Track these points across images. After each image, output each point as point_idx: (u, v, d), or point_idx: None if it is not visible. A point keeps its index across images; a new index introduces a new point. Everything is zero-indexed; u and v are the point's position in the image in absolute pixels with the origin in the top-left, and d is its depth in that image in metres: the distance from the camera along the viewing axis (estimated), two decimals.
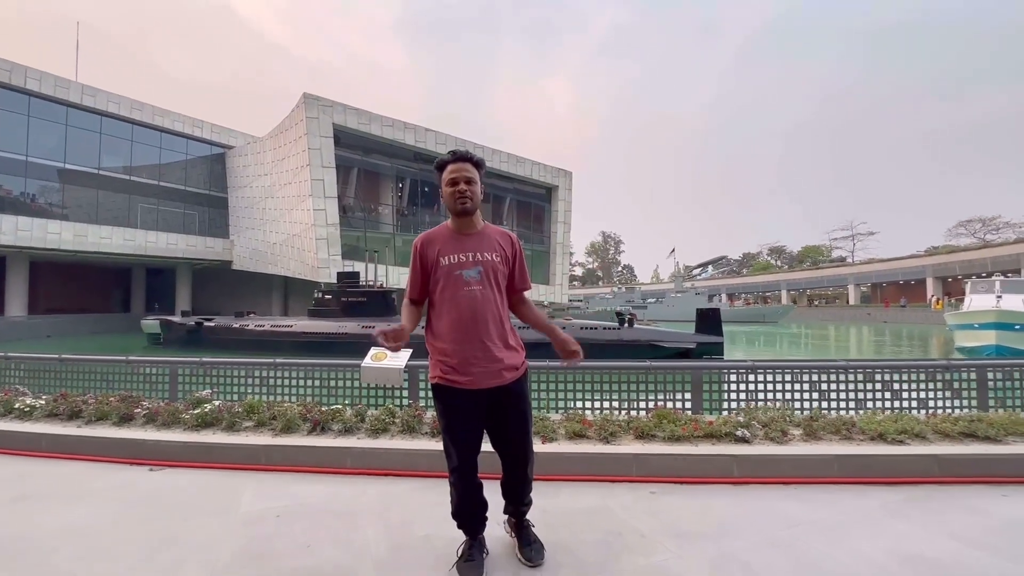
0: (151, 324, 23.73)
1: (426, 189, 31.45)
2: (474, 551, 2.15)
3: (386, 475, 3.33)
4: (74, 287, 33.69)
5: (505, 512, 2.29)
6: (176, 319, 23.16)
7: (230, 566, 2.19)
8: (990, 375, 4.46)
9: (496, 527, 2.33)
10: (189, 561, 2.24)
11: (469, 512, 2.17)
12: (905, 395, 4.39)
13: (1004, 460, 3.23)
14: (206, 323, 20.96)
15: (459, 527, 2.20)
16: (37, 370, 5.41)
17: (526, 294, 2.26)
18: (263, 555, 2.29)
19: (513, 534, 2.29)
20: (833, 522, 2.60)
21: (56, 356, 5.29)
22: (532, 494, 2.29)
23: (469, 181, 2.08)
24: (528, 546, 2.19)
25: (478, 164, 2.14)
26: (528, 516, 2.30)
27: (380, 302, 19.80)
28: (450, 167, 2.10)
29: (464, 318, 2.02)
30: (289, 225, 27.52)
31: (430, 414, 3.97)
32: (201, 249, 32.34)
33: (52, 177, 27.86)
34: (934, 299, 38.95)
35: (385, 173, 30.14)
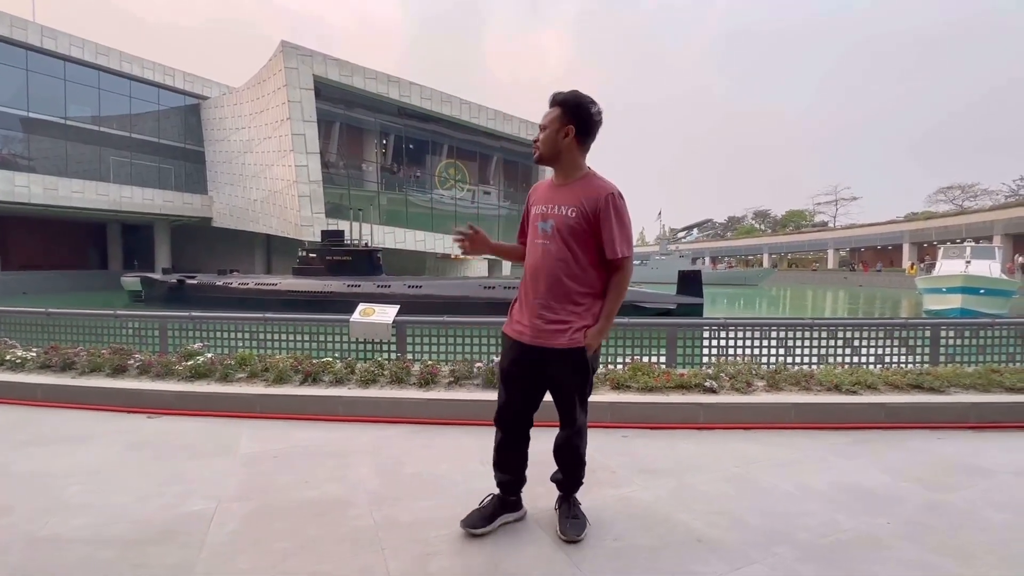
0: (131, 281, 23.37)
1: (411, 146, 30.71)
2: (489, 504, 2.10)
3: (376, 422, 3.53)
4: (49, 243, 32.69)
5: (552, 479, 2.17)
6: (157, 276, 22.81)
7: (235, 498, 2.38)
8: (943, 333, 4.77)
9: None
10: (196, 493, 2.42)
11: (501, 462, 2.12)
12: (864, 351, 4.70)
13: (944, 408, 3.56)
14: (188, 281, 20.70)
15: (495, 478, 2.15)
16: (24, 324, 5.43)
17: (628, 268, 1.99)
18: (265, 488, 2.49)
19: (557, 510, 2.14)
20: (785, 460, 2.88)
21: (43, 310, 5.31)
22: None
23: (542, 128, 1.97)
24: (566, 519, 2.05)
25: (560, 103, 1.93)
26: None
27: (366, 261, 19.70)
28: None
29: (529, 271, 1.99)
30: (270, 181, 26.81)
31: (417, 366, 4.15)
32: (179, 205, 31.43)
33: (15, 126, 26.49)
34: (910, 265, 40.09)
35: (369, 128, 29.28)
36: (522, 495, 2.20)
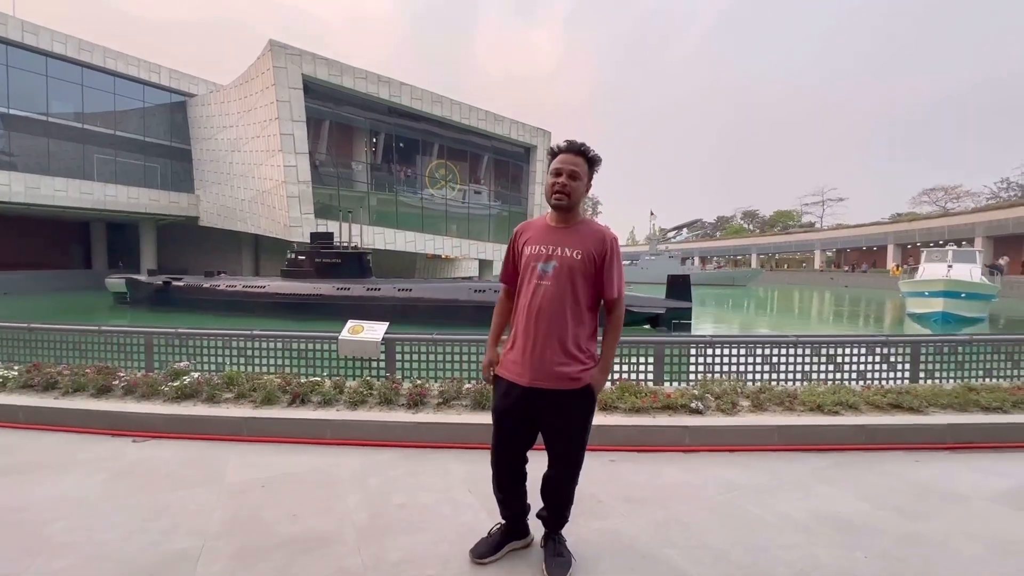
0: (116, 283, 23.02)
1: (401, 145, 30.53)
2: (496, 533, 2.21)
3: (364, 445, 3.53)
4: (30, 242, 32.04)
5: (538, 516, 2.22)
6: (143, 278, 22.47)
7: (220, 534, 2.38)
8: (923, 350, 4.88)
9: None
10: (180, 529, 2.41)
11: (500, 499, 2.20)
12: (846, 367, 4.78)
13: (922, 429, 3.64)
14: (175, 282, 20.44)
15: (499, 510, 2.24)
16: (4, 338, 5.33)
17: (623, 307, 2.08)
18: (252, 523, 2.48)
19: (543, 547, 2.18)
20: (767, 487, 2.93)
21: (25, 324, 5.22)
22: None
23: (572, 176, 1.98)
24: (551, 558, 2.08)
25: (591, 160, 2.02)
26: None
27: (355, 263, 19.58)
28: (560, 157, 2.01)
29: (530, 312, 1.98)
30: (258, 181, 26.51)
31: (406, 386, 4.16)
32: (165, 204, 30.97)
33: None
34: (895, 266, 40.75)
35: (359, 127, 29.05)
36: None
